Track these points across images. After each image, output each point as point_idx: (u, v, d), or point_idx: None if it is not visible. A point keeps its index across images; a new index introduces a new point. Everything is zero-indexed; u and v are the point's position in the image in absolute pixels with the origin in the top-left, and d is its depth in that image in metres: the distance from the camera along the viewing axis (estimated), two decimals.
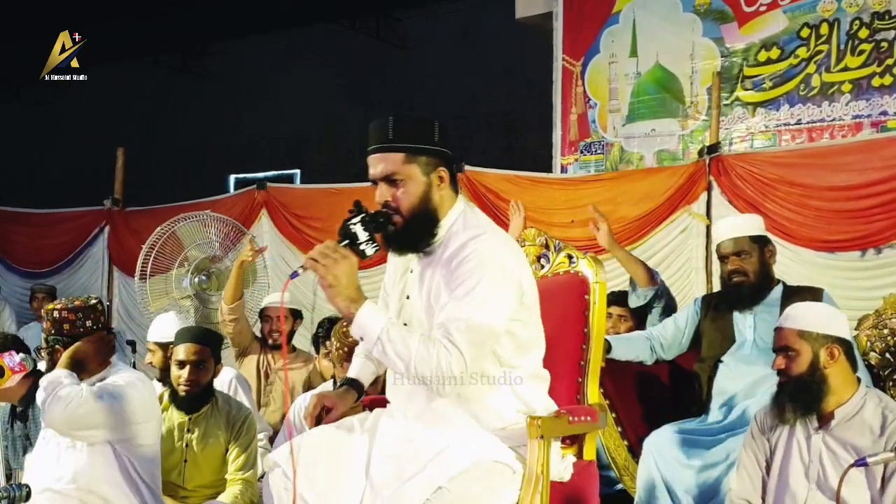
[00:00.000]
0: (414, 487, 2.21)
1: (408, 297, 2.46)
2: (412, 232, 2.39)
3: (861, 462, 2.49)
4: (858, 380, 2.82)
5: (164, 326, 4.43)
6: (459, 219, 2.44)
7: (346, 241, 2.28)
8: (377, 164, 2.38)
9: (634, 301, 4.30)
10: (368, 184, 2.45)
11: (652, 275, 4.31)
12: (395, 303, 2.53)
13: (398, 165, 2.35)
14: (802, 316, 2.82)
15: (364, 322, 2.26)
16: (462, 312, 2.25)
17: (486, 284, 2.28)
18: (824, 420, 2.77)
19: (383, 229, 2.35)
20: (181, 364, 3.65)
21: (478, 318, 2.24)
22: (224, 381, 4.46)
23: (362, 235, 2.29)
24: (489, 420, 2.38)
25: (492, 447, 2.33)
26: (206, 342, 3.73)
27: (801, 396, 2.77)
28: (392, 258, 2.59)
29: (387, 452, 2.38)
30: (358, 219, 2.31)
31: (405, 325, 2.41)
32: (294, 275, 2.31)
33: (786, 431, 2.84)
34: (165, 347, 4.28)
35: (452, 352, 2.20)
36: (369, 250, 2.30)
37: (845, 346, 2.79)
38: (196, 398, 3.67)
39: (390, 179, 2.37)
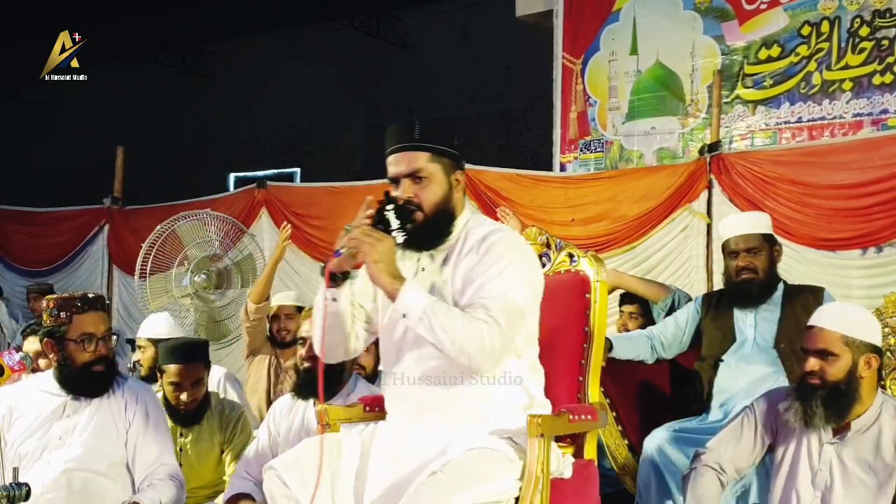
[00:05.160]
0: (409, 480, 2.23)
1: None
2: (431, 229, 2.45)
3: None
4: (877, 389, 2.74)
5: (157, 324, 4.43)
6: (472, 219, 2.53)
7: (381, 227, 2.35)
8: (401, 161, 2.44)
9: (659, 318, 4.21)
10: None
11: (663, 286, 4.31)
12: None
13: (424, 163, 2.43)
14: (847, 320, 2.68)
15: (408, 299, 2.29)
16: (497, 290, 2.32)
17: (516, 267, 2.38)
18: (840, 430, 2.69)
19: (409, 222, 2.41)
20: (177, 386, 3.57)
21: (512, 296, 2.32)
22: (213, 380, 4.41)
23: (394, 223, 2.37)
24: (495, 413, 2.40)
25: (485, 438, 2.35)
26: (197, 357, 3.66)
27: (834, 404, 2.64)
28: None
29: (383, 453, 2.41)
30: (391, 206, 2.38)
31: None
32: (337, 253, 2.36)
33: (795, 433, 2.75)
34: (157, 344, 4.28)
35: (493, 326, 2.27)
36: (399, 237, 2.37)
37: (880, 355, 2.70)
38: (195, 412, 3.64)
39: (416, 177, 2.43)
